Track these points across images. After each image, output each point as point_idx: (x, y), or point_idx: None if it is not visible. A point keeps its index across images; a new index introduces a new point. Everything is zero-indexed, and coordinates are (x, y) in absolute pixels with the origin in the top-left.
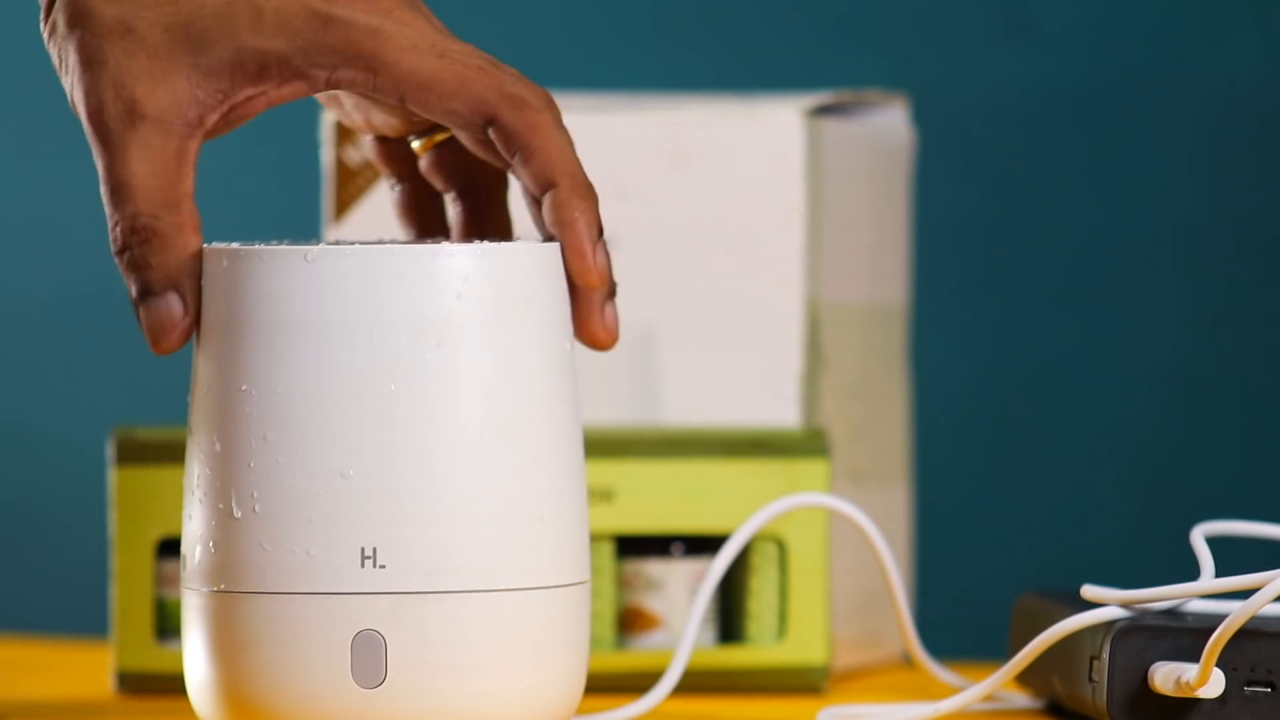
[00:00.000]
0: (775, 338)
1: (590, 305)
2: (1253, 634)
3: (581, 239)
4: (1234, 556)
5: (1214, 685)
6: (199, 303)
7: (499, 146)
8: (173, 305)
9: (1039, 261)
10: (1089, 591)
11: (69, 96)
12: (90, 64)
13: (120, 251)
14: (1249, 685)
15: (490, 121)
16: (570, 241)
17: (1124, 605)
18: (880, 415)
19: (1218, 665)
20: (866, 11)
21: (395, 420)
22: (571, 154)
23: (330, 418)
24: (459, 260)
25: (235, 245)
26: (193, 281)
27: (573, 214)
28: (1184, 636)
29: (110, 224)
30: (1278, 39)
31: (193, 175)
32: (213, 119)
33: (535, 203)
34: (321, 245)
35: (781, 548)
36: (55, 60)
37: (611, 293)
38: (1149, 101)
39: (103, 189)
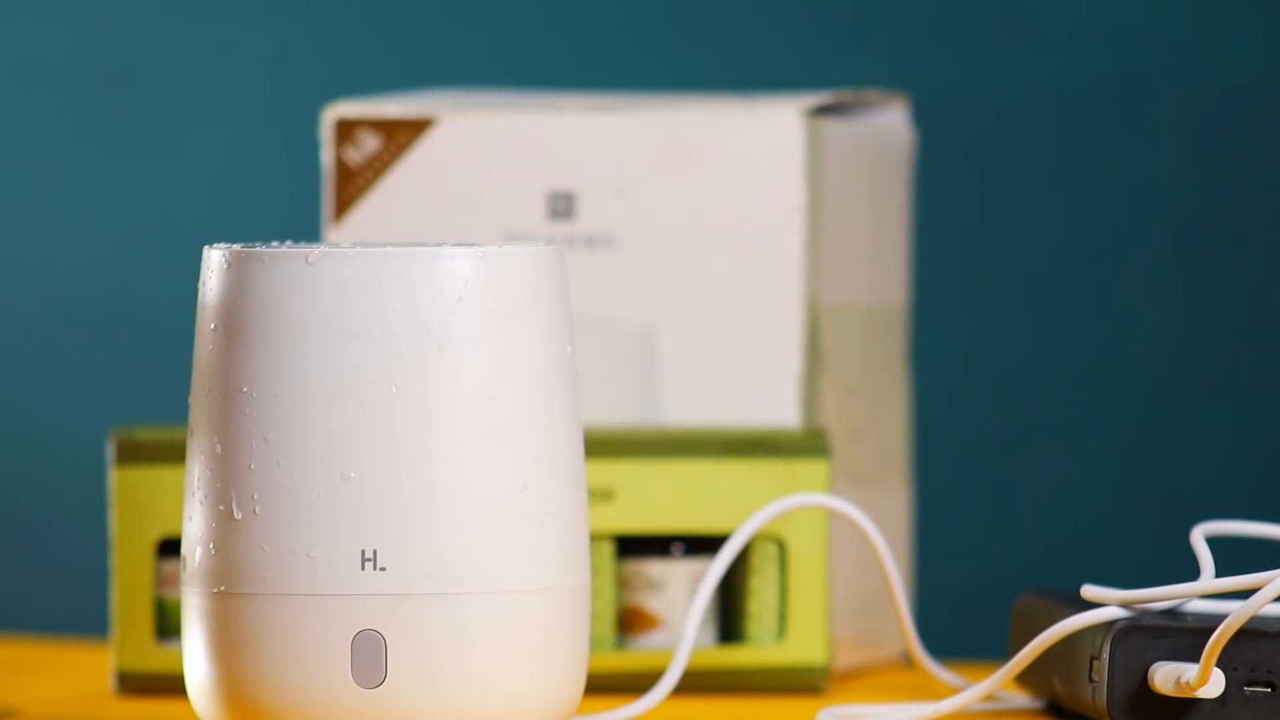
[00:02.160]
0: (775, 338)
1: None
2: (1253, 634)
3: None
4: (1234, 556)
5: (1214, 685)
6: None
7: None
8: None
9: (1039, 261)
10: (1089, 591)
11: None
12: None
13: None
14: (1249, 685)
15: None
16: None
17: (1124, 605)
18: (880, 415)
19: (1218, 665)
20: (866, 11)
21: (396, 423)
22: None
23: (331, 420)
24: (460, 263)
25: (237, 247)
26: None
27: None
28: (1184, 636)
29: None
30: (1278, 39)
31: None
32: None
33: None
34: (322, 247)
35: (781, 548)
36: None
37: None
38: (1149, 101)
39: None
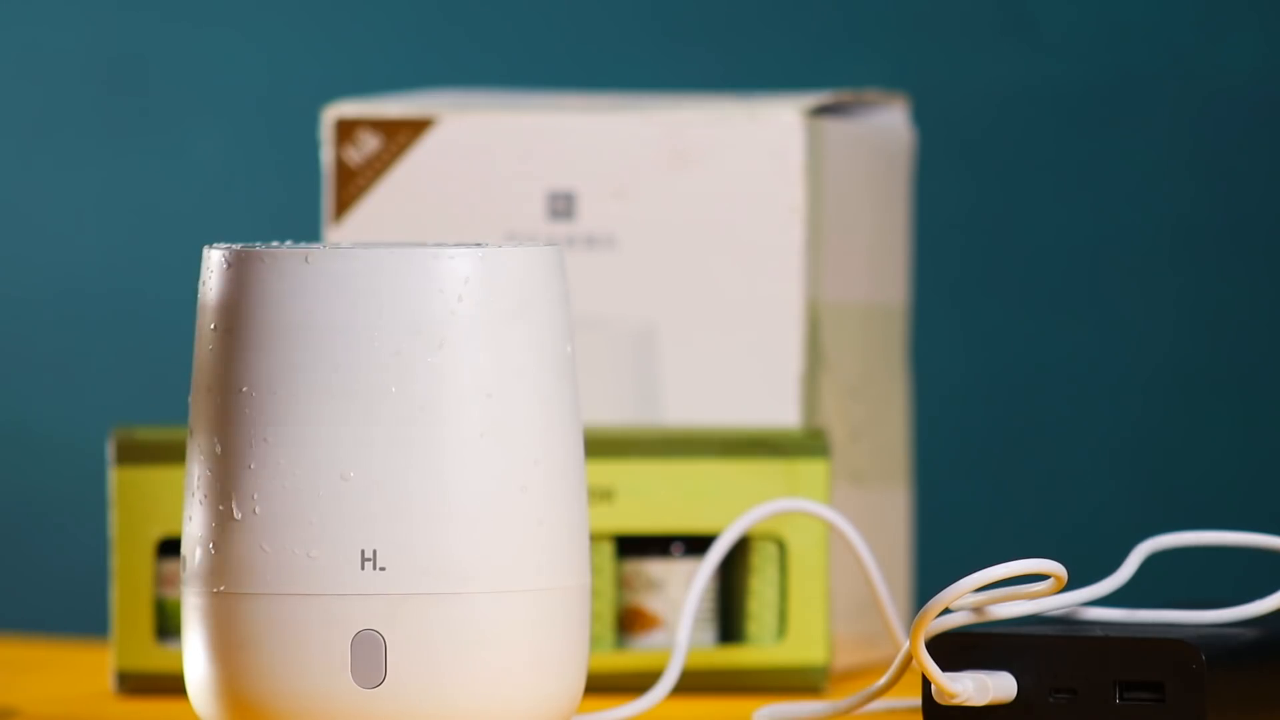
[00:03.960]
0: (775, 338)
1: None
2: (1049, 639)
3: None
4: (1234, 560)
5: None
6: None
7: None
8: None
9: (1039, 261)
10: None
11: None
12: None
13: None
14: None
15: None
16: None
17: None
18: (880, 415)
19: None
20: (866, 11)
21: (396, 423)
22: None
23: (331, 420)
24: (459, 263)
25: (237, 247)
26: None
27: None
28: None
29: None
30: (1278, 39)
31: None
32: None
33: None
34: (322, 247)
35: (781, 548)
36: None
37: None
38: (1149, 101)
39: None
